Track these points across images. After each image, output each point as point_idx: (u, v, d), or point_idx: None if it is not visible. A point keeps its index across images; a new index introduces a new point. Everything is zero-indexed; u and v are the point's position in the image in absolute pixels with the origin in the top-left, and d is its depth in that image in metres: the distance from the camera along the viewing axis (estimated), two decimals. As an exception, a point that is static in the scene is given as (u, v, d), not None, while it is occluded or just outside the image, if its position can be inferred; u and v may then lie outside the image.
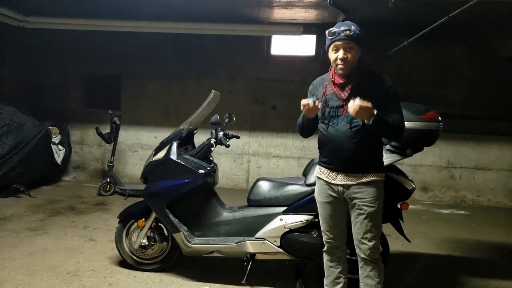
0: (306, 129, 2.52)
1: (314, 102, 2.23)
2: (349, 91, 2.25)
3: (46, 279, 3.00)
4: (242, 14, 5.38)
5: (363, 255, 2.35)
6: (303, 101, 2.26)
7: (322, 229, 2.51)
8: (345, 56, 2.22)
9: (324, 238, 2.50)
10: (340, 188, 2.33)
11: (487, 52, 6.05)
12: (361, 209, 2.29)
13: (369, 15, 4.94)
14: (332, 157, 2.35)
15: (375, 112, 2.09)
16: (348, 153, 2.26)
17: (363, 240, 2.32)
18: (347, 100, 2.22)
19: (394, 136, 2.34)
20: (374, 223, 2.30)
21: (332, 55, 2.28)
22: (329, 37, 2.26)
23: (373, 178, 2.28)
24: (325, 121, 2.35)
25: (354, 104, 2.07)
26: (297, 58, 6.42)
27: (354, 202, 2.31)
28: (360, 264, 2.39)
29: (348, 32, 2.19)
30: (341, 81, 2.28)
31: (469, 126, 6.03)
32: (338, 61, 2.23)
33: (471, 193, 6.17)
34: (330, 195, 2.39)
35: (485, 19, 4.92)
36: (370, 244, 2.30)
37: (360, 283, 2.42)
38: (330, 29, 2.26)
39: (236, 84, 6.46)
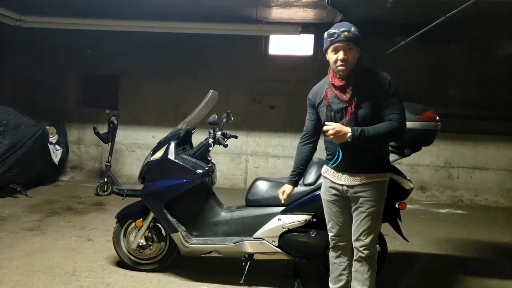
0: None
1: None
2: (350, 92, 2.26)
3: (43, 280, 2.99)
4: (240, 14, 5.38)
5: (358, 252, 2.39)
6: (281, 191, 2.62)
7: (328, 227, 2.55)
8: (345, 56, 2.22)
9: (330, 235, 2.54)
10: (345, 188, 2.37)
11: (485, 51, 6.07)
12: (363, 207, 2.32)
13: (366, 15, 4.94)
14: (342, 159, 2.35)
15: (349, 135, 2.16)
16: (353, 155, 2.29)
17: (361, 237, 2.36)
18: (349, 102, 2.25)
19: (392, 139, 2.40)
20: (374, 222, 2.34)
21: (332, 56, 2.28)
22: (328, 39, 2.26)
23: (377, 178, 2.31)
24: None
25: (329, 132, 2.20)
26: (295, 58, 6.42)
27: (357, 200, 2.34)
28: (354, 259, 2.44)
29: (347, 33, 2.20)
30: (340, 83, 2.29)
31: (466, 126, 6.04)
32: (339, 62, 2.24)
33: (468, 193, 6.18)
34: (335, 194, 2.44)
35: (482, 19, 4.94)
36: (367, 241, 2.34)
37: (353, 279, 2.46)
38: (329, 30, 2.27)
39: (234, 83, 6.45)
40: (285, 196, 2.58)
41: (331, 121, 2.32)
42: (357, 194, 2.33)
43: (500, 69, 5.98)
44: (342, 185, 2.38)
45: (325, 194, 2.51)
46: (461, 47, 6.08)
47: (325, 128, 2.22)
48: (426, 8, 4.44)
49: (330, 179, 2.44)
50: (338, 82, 2.29)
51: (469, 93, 6.09)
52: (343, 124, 2.23)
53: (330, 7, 4.60)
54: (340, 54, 2.23)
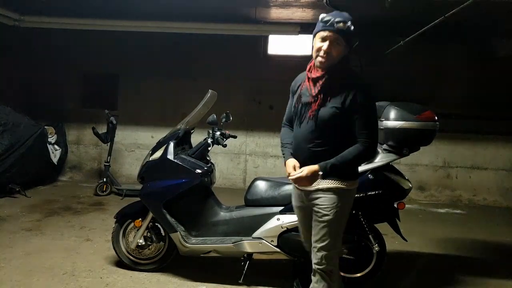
0: None
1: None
2: (319, 87, 2.09)
3: (42, 280, 2.99)
4: (239, 14, 5.38)
5: (313, 263, 2.21)
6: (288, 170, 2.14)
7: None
8: (330, 50, 2.04)
9: (302, 240, 2.49)
10: (302, 193, 2.24)
11: (483, 51, 6.07)
12: (316, 216, 2.15)
13: (365, 15, 4.94)
14: (296, 158, 2.19)
15: (320, 173, 2.02)
16: (308, 155, 2.12)
17: (313, 248, 2.19)
18: (315, 98, 2.10)
19: (362, 162, 2.34)
20: (329, 234, 2.12)
21: (317, 44, 2.07)
22: (320, 23, 2.05)
23: (334, 185, 2.10)
24: (296, 118, 2.23)
25: (294, 178, 2.06)
26: (294, 58, 6.42)
27: (313, 207, 2.18)
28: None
29: (342, 25, 2.00)
30: (314, 76, 2.11)
31: (465, 126, 6.06)
32: (321, 52, 2.04)
33: (467, 193, 6.20)
34: (298, 200, 2.33)
35: (481, 19, 4.94)
36: (319, 254, 2.15)
37: None
38: (325, 15, 2.06)
39: (233, 83, 6.45)
40: (296, 168, 2.12)
41: (297, 114, 2.20)
42: (312, 202, 2.16)
43: (499, 69, 5.99)
44: (301, 190, 2.23)
45: (293, 199, 2.42)
46: (459, 47, 6.08)
47: (292, 178, 2.07)
48: (425, 8, 4.44)
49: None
50: (313, 74, 2.12)
51: (468, 93, 6.09)
52: (303, 123, 2.14)
53: (329, 7, 4.59)
54: (325, 45, 2.03)
